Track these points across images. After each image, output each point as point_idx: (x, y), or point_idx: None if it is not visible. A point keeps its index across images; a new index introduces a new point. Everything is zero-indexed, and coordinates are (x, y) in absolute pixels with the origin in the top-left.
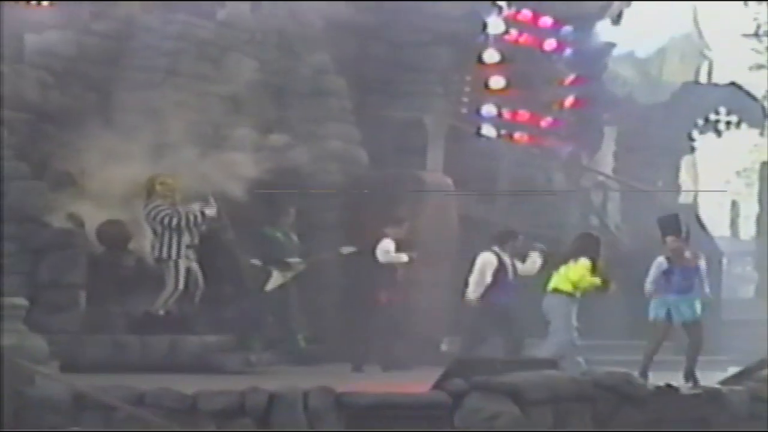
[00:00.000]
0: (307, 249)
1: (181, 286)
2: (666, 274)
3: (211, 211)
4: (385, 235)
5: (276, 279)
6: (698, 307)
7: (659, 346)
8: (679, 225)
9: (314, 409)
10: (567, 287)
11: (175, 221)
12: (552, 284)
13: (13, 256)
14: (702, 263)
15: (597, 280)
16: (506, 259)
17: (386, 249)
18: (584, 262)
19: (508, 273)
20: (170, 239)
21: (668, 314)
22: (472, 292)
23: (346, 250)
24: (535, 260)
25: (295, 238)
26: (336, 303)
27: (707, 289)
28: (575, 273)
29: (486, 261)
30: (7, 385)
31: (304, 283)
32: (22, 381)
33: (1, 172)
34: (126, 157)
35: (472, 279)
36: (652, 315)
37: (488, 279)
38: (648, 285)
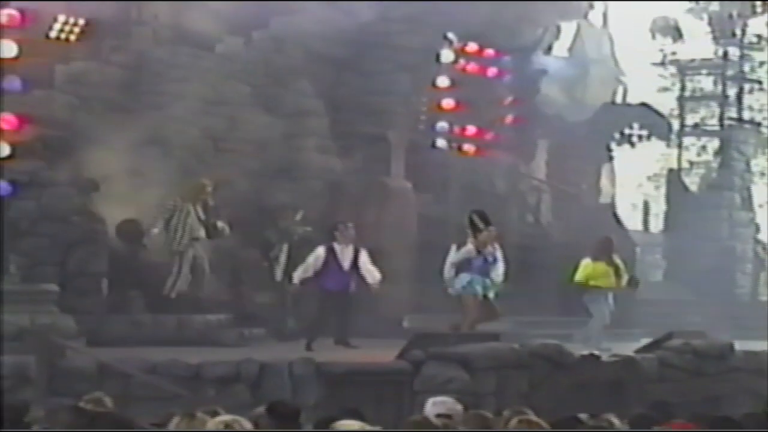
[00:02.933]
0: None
1: (184, 271)
2: (470, 259)
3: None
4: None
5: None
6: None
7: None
8: (488, 219)
9: (298, 376)
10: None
11: (175, 219)
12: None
13: (47, 249)
14: (498, 254)
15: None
16: (346, 251)
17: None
18: (585, 262)
19: (340, 263)
20: (176, 233)
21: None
22: (296, 277)
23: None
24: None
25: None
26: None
27: (494, 275)
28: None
29: (316, 253)
30: (42, 357)
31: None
32: (54, 354)
33: None
34: (142, 167)
35: (301, 266)
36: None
37: (316, 267)
38: (448, 266)
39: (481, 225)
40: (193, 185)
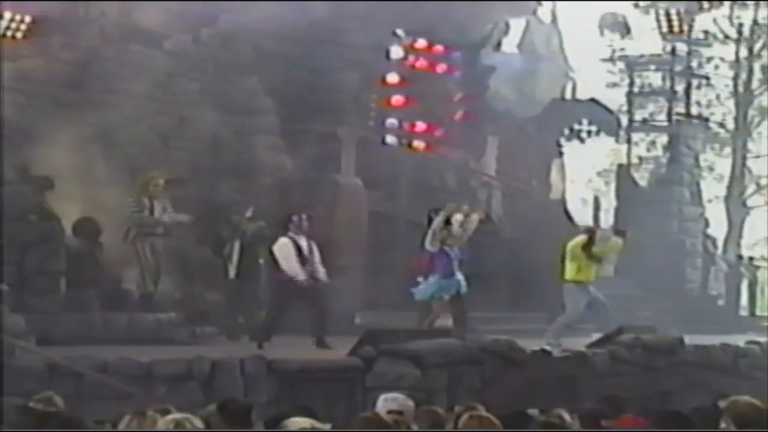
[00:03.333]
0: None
1: (145, 264)
2: (434, 257)
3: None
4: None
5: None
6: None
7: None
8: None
9: (250, 374)
10: (570, 268)
11: (137, 215)
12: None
13: (3, 249)
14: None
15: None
16: (303, 242)
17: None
18: (579, 238)
19: (304, 254)
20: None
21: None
22: (293, 271)
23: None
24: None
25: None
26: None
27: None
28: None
29: (281, 242)
30: None
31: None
32: (2, 353)
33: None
34: (92, 165)
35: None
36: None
37: (294, 262)
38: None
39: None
40: (144, 178)
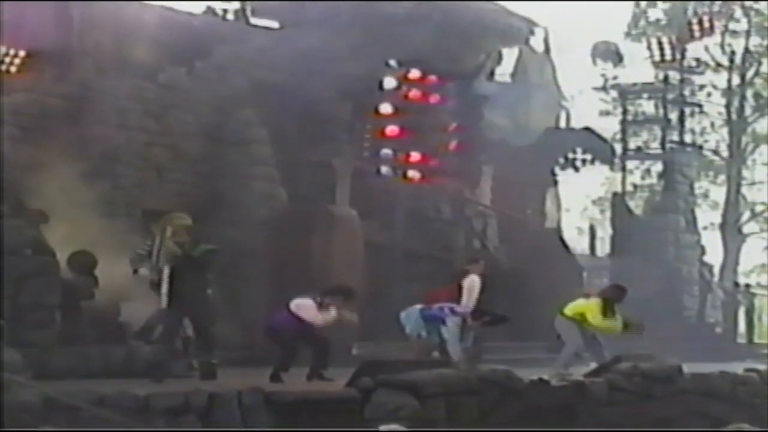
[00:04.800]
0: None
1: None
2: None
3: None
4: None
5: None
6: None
7: None
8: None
9: (247, 406)
10: (572, 314)
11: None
12: (565, 309)
13: None
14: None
15: (603, 321)
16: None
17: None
18: (595, 301)
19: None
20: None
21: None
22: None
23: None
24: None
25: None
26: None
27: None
28: (583, 307)
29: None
30: None
31: (237, 297)
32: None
33: None
34: (86, 199)
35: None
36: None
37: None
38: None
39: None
40: (166, 220)
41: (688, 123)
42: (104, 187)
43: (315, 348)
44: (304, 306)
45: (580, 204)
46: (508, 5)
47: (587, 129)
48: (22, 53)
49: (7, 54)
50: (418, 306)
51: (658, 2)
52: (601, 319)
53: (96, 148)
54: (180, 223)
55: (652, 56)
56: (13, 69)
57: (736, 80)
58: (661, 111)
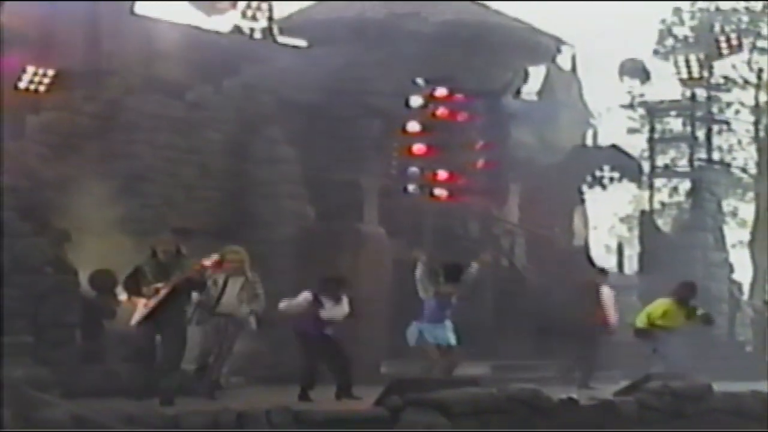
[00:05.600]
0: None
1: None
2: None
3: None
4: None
5: (140, 311)
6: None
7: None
8: (457, 275)
9: (276, 425)
10: (643, 322)
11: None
12: (641, 321)
13: (19, 300)
14: (454, 299)
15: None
16: (324, 299)
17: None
18: (662, 301)
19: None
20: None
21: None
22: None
23: (208, 261)
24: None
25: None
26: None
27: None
28: (652, 310)
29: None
30: (16, 410)
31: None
32: (28, 407)
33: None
34: (113, 216)
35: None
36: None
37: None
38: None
39: (440, 279)
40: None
41: (716, 140)
42: (132, 205)
43: (338, 365)
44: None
45: (608, 222)
46: (536, 23)
47: (614, 147)
48: (51, 72)
49: (36, 73)
50: (414, 326)
51: (686, 20)
52: (683, 320)
53: (124, 166)
54: (234, 257)
55: (679, 73)
56: (42, 88)
57: (763, 97)
58: (688, 128)
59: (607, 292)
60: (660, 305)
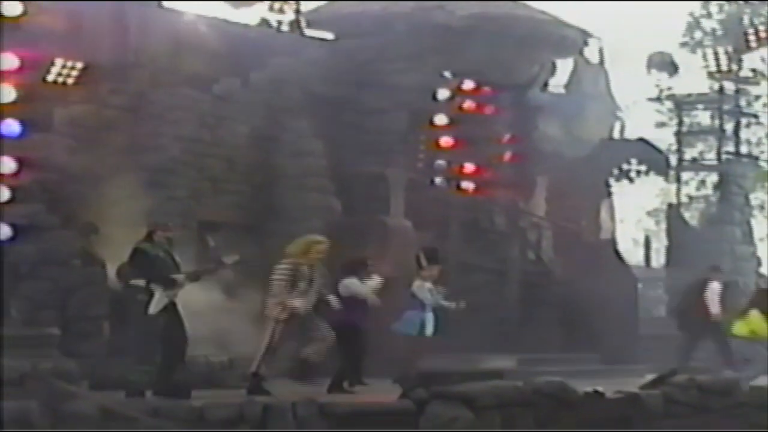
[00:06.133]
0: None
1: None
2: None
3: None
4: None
5: (159, 300)
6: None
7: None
8: (435, 257)
9: (302, 417)
10: (743, 332)
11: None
12: (734, 330)
13: (47, 293)
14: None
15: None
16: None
17: (346, 284)
18: (755, 315)
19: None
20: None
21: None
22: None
23: (230, 259)
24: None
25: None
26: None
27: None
28: (753, 324)
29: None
30: (44, 402)
31: None
32: (56, 399)
33: None
34: (140, 209)
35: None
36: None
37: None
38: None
39: (423, 263)
40: (305, 243)
41: (744, 134)
42: (159, 198)
43: (356, 354)
44: (353, 285)
45: (635, 215)
46: (563, 16)
47: (642, 140)
48: (79, 65)
49: (64, 66)
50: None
51: (714, 12)
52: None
53: (151, 159)
54: (322, 247)
55: (707, 66)
56: (70, 81)
57: None
58: (716, 122)
59: (714, 287)
60: (758, 319)
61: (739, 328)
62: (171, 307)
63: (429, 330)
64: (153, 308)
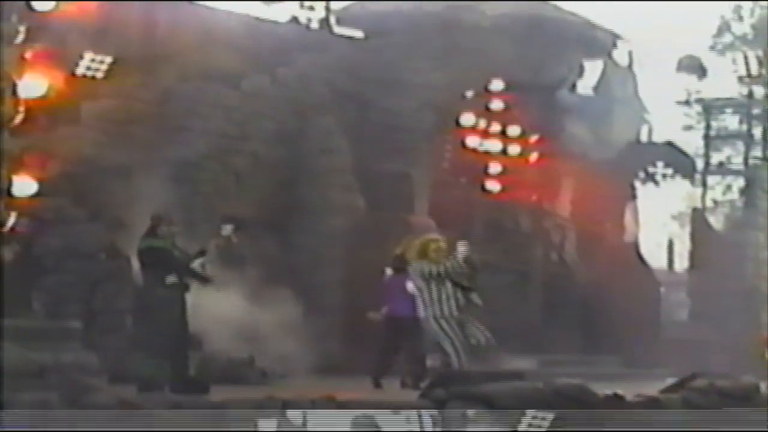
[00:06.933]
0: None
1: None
2: None
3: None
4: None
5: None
6: None
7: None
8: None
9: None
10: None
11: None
12: None
13: (72, 286)
14: None
15: None
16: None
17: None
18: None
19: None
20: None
21: None
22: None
23: (225, 230)
24: None
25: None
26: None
27: None
28: None
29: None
30: (65, 394)
31: (314, 304)
32: (77, 392)
33: None
34: (165, 203)
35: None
36: None
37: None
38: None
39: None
40: (422, 242)
41: None
42: (184, 192)
43: (419, 350)
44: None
45: (660, 218)
46: (593, 18)
47: (669, 143)
48: (108, 59)
49: (93, 60)
50: None
51: (745, 16)
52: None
53: (177, 153)
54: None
55: (737, 71)
56: (99, 75)
57: None
58: (744, 126)
59: None
60: None
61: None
62: (179, 299)
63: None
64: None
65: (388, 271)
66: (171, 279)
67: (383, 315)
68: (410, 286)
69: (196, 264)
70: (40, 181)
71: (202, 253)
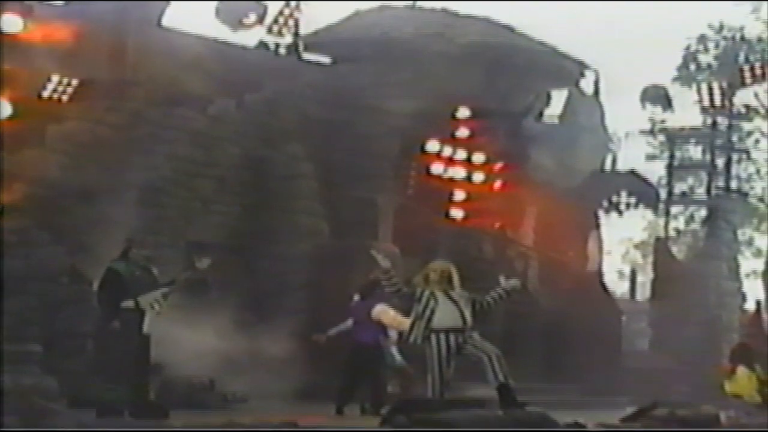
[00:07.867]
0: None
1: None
2: None
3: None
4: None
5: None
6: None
7: None
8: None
9: None
10: (735, 391)
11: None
12: (730, 390)
13: (34, 309)
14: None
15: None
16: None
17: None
18: (743, 372)
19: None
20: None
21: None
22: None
23: (202, 263)
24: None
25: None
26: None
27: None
28: (741, 384)
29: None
30: (24, 419)
31: (277, 329)
32: (36, 416)
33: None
34: (129, 227)
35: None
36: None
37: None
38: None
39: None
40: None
41: (735, 169)
42: (149, 216)
43: (379, 378)
44: (384, 311)
45: (623, 247)
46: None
47: (633, 172)
48: (75, 82)
49: (60, 82)
50: None
51: (711, 47)
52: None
53: (143, 177)
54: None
55: (701, 101)
56: (65, 97)
57: None
58: (708, 156)
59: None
60: (744, 378)
61: (731, 387)
62: (136, 324)
63: (397, 359)
64: (146, 327)
65: (356, 297)
66: (126, 304)
67: (327, 336)
68: (374, 312)
69: (158, 293)
70: (4, 203)
71: (171, 283)
